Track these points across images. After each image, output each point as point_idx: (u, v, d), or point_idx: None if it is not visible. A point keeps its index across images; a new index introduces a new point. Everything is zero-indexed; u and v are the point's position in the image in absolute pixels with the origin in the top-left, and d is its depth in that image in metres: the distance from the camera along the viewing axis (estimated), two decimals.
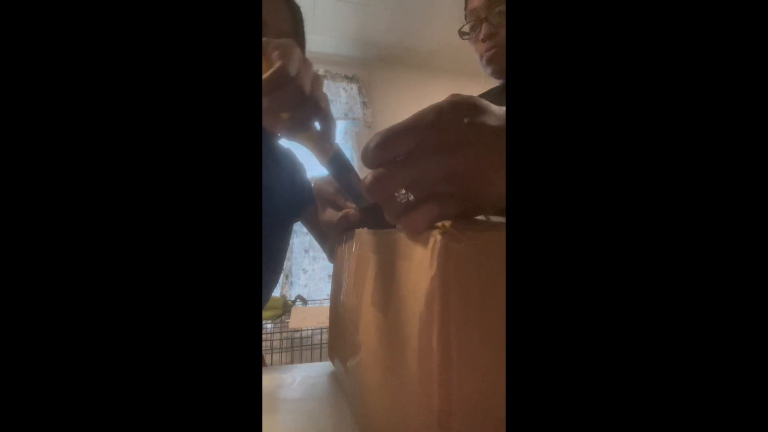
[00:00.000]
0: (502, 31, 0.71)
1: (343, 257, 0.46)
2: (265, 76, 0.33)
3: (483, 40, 0.73)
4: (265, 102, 0.34)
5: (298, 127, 0.36)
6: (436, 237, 0.23)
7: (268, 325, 1.90)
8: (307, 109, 0.36)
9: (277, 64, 0.33)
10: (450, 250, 0.22)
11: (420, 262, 0.24)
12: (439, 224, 0.23)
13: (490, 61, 0.75)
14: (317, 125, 0.38)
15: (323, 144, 0.38)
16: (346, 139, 2.63)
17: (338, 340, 0.49)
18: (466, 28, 0.76)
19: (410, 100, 2.75)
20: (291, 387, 0.48)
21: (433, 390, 0.23)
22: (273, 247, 0.78)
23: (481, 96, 0.85)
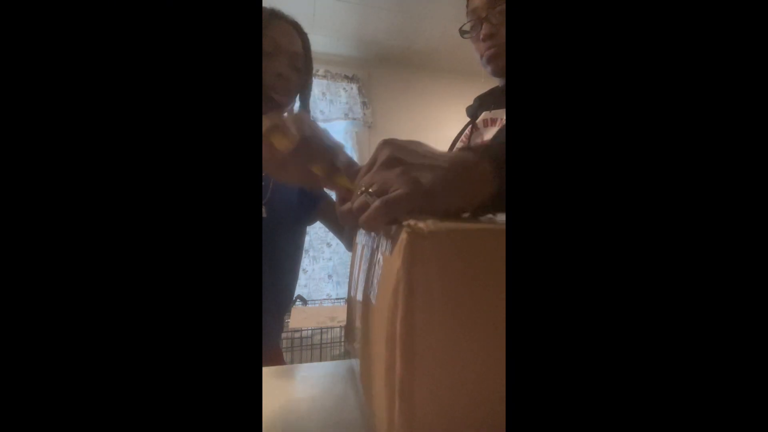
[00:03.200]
0: (503, 31, 0.72)
1: (356, 251, 0.49)
2: (291, 148, 0.40)
3: (483, 40, 0.73)
4: (299, 167, 0.41)
5: (334, 172, 0.42)
6: (404, 233, 0.26)
7: None
8: (335, 155, 0.42)
9: (298, 137, 0.40)
10: (415, 246, 0.25)
11: (394, 255, 0.27)
12: (410, 222, 0.26)
13: (490, 60, 0.75)
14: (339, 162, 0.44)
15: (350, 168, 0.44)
16: (345, 139, 2.63)
17: (350, 328, 0.51)
18: (467, 27, 0.77)
19: (410, 100, 2.75)
20: (291, 387, 0.48)
21: (395, 378, 0.25)
22: (290, 248, 0.86)
23: (483, 95, 0.85)
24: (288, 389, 0.47)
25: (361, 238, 0.46)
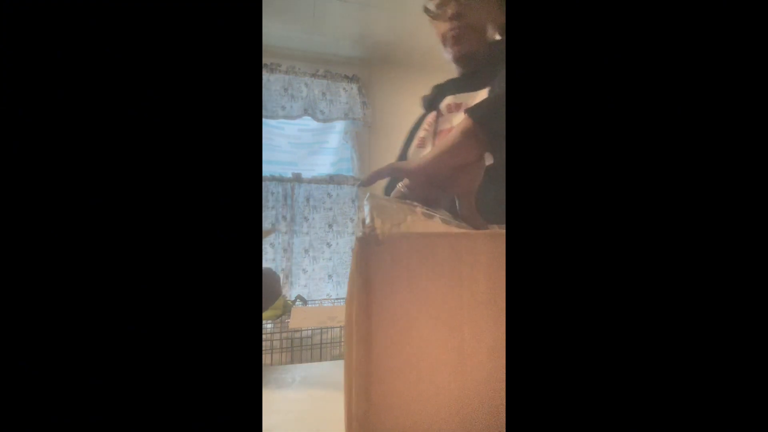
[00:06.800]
0: (470, 12, 0.68)
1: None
2: None
3: (451, 19, 0.69)
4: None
5: None
6: (356, 241, 0.28)
7: (268, 325, 1.90)
8: None
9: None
10: (368, 252, 0.28)
11: (353, 259, 0.29)
12: (368, 225, 0.28)
13: (455, 41, 0.71)
14: None
15: None
16: (345, 139, 2.63)
17: None
18: (432, 6, 0.72)
19: (410, 100, 2.75)
20: (291, 387, 0.48)
21: (352, 371, 0.27)
22: None
23: (441, 85, 0.81)
24: (288, 389, 0.47)
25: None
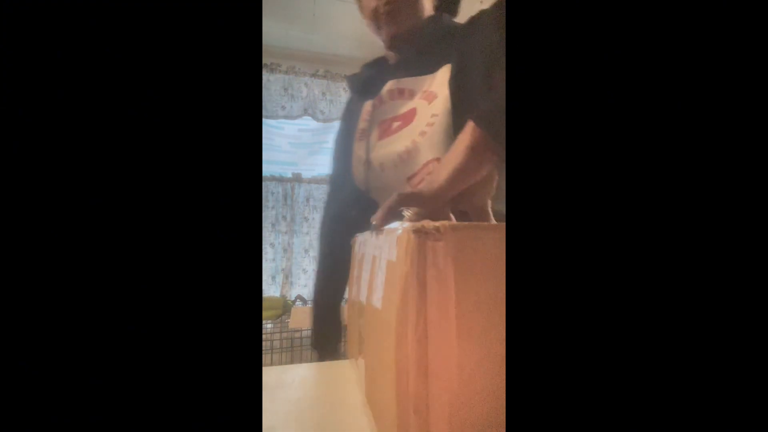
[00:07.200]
0: None
1: (354, 258, 0.48)
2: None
3: None
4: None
5: None
6: (410, 236, 0.25)
7: (268, 325, 1.90)
8: None
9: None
10: (426, 248, 0.24)
11: (400, 260, 0.26)
12: (418, 223, 0.25)
13: (389, 18, 0.62)
14: None
15: None
16: None
17: (351, 335, 0.52)
18: None
19: None
20: (291, 387, 0.48)
21: (409, 381, 0.24)
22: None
23: (371, 63, 0.73)
24: (288, 389, 0.47)
25: (359, 246, 0.46)
